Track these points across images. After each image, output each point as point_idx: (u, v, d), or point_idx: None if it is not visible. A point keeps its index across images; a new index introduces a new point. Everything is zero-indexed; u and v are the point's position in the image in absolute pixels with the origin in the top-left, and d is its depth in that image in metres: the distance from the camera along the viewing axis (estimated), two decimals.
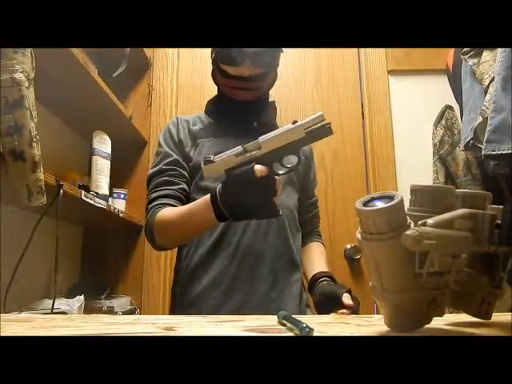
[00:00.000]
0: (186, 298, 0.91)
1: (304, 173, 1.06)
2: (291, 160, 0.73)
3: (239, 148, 0.71)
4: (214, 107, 1.05)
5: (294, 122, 0.70)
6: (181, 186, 0.93)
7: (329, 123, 0.69)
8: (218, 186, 0.73)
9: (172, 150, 0.97)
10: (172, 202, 0.90)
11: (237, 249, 0.89)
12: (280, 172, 0.73)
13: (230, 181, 0.71)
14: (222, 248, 0.89)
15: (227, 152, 0.72)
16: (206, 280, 0.88)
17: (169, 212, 0.86)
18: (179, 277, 0.95)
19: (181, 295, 0.93)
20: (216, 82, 1.02)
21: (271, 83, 1.02)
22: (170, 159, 0.95)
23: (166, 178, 0.93)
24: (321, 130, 0.69)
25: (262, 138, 0.71)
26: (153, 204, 0.91)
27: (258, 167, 0.69)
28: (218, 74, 0.98)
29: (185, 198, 0.93)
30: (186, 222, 0.82)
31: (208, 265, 0.89)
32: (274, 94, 1.12)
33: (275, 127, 1.03)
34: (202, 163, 0.73)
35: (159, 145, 1.00)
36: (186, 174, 0.95)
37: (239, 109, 0.98)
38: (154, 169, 0.96)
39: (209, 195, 0.75)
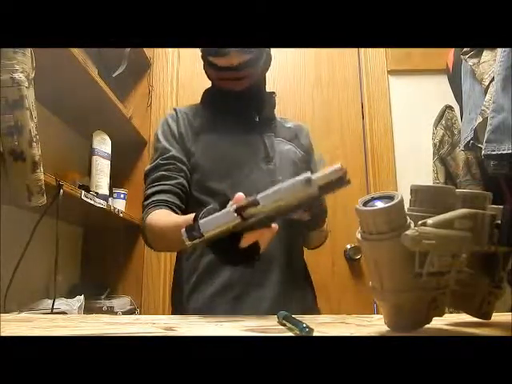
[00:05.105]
0: (194, 304, 0.86)
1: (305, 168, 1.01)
2: None
3: (237, 218, 0.54)
4: (211, 99, 1.01)
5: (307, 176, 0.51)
6: (178, 181, 0.87)
7: (344, 175, 0.50)
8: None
9: (171, 144, 0.92)
10: (167, 198, 0.85)
11: None
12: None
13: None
14: None
15: (222, 220, 0.54)
16: (216, 285, 0.85)
17: (157, 219, 0.81)
18: (183, 280, 0.90)
19: (187, 301, 0.87)
20: (208, 76, 0.98)
21: (265, 67, 0.98)
22: (168, 154, 0.91)
23: (162, 172, 0.88)
24: (336, 184, 0.51)
25: (262, 199, 0.53)
26: (148, 201, 0.86)
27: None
28: (208, 68, 0.94)
29: (183, 194, 0.88)
30: (170, 235, 0.74)
31: (217, 270, 0.85)
32: None
33: (275, 121, 1.02)
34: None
35: (157, 139, 0.95)
36: (185, 168, 0.90)
37: (236, 100, 0.94)
38: (151, 164, 0.92)
39: (193, 215, 0.62)
